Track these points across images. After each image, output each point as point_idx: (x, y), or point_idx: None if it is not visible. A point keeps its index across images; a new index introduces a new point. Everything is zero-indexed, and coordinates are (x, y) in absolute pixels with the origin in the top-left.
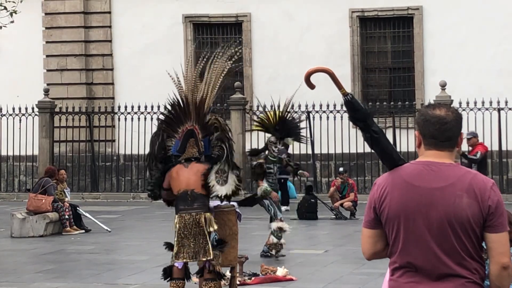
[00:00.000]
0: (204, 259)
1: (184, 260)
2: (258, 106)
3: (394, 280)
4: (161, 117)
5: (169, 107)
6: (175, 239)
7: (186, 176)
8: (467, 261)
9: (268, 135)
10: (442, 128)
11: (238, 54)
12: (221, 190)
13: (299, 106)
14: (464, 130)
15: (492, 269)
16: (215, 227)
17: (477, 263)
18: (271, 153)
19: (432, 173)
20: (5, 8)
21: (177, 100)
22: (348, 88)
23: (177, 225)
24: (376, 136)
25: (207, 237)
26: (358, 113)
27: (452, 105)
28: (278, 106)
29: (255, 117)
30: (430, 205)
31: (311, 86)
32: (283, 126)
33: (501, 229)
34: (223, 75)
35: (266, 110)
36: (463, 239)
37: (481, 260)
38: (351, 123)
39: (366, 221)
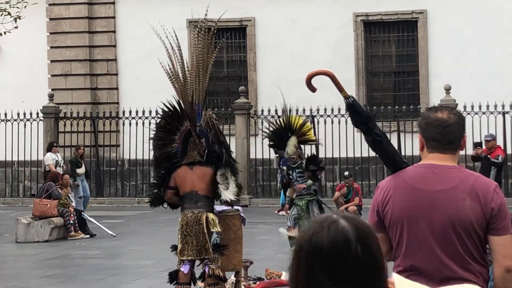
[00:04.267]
0: (207, 257)
1: (189, 257)
2: (262, 111)
3: None
4: (157, 133)
5: (163, 120)
6: (179, 236)
7: (190, 178)
8: (470, 264)
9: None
10: (444, 131)
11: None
12: (228, 195)
13: (304, 110)
14: (468, 133)
15: (496, 272)
16: (219, 229)
17: (481, 266)
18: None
19: (435, 176)
20: (9, 13)
21: (170, 108)
22: (352, 92)
23: (180, 223)
24: (378, 139)
25: (206, 235)
26: (359, 116)
27: (454, 108)
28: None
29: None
30: (433, 208)
31: (312, 89)
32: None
33: (505, 231)
34: (210, 65)
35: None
36: (467, 242)
37: (485, 263)
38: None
39: None
